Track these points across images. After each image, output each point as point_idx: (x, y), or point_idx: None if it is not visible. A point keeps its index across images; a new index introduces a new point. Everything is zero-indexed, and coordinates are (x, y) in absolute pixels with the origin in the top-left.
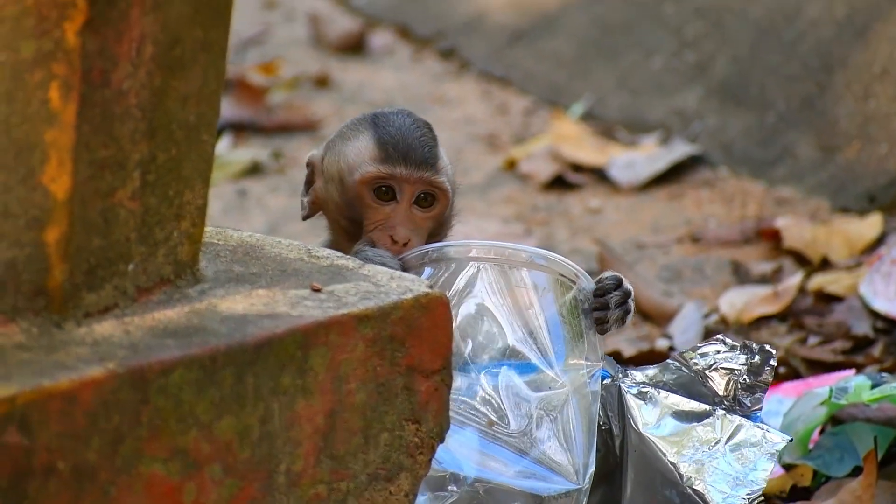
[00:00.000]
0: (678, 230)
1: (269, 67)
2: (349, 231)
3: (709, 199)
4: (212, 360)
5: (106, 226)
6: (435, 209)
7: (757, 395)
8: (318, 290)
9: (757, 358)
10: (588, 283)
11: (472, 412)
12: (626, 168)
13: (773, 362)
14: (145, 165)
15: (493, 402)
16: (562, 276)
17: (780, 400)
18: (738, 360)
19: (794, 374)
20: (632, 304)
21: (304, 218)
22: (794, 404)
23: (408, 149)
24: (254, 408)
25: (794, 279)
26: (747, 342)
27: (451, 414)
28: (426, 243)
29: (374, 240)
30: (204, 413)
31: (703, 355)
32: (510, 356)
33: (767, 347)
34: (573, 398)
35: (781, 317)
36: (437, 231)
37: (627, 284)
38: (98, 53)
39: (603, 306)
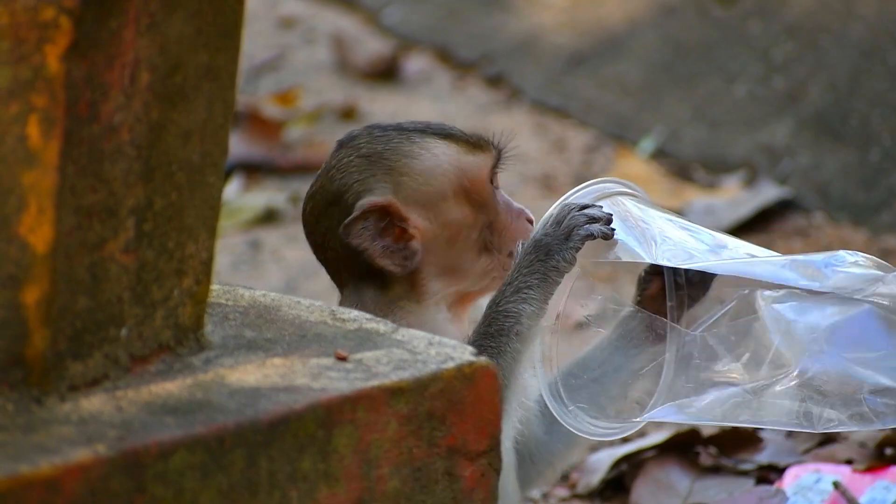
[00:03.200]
0: None
1: (285, 97)
2: (484, 242)
3: (802, 250)
4: (219, 440)
5: (94, 284)
6: None
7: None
8: (343, 359)
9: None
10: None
11: None
12: (705, 214)
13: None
14: (141, 213)
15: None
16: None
17: (886, 487)
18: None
19: None
20: None
21: (409, 271)
22: None
23: (469, 132)
24: (268, 497)
25: None
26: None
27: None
28: None
29: (514, 237)
30: (210, 503)
31: None
32: None
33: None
34: None
35: None
36: None
37: None
38: (85, 82)
39: None
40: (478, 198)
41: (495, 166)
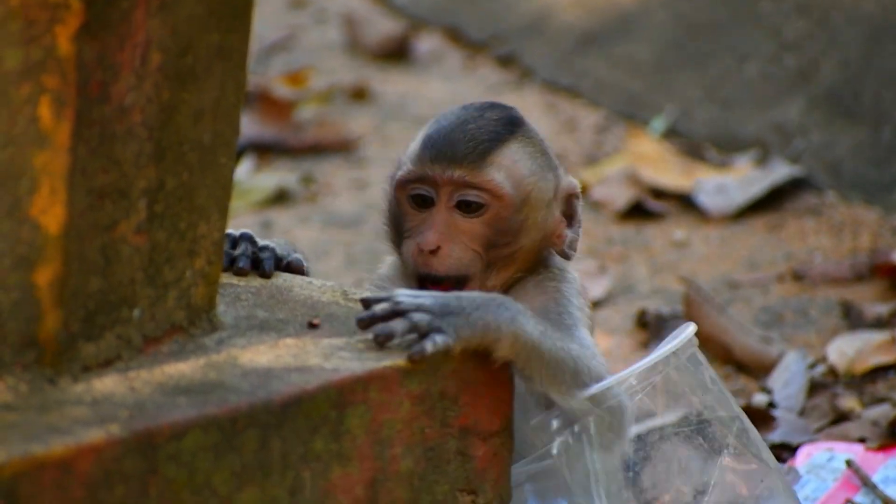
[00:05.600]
0: (778, 266)
1: (297, 78)
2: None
3: (814, 229)
4: (231, 421)
5: (106, 265)
6: (483, 214)
7: None
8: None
9: None
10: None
11: None
12: (717, 193)
13: None
14: (152, 194)
15: None
16: None
17: None
18: None
19: None
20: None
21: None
22: None
23: (446, 144)
24: (281, 477)
25: None
26: None
27: None
28: (485, 257)
29: (403, 254)
30: (222, 484)
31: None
32: None
33: None
34: None
35: None
36: (505, 242)
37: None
38: (96, 63)
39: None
40: (390, 202)
41: (439, 183)
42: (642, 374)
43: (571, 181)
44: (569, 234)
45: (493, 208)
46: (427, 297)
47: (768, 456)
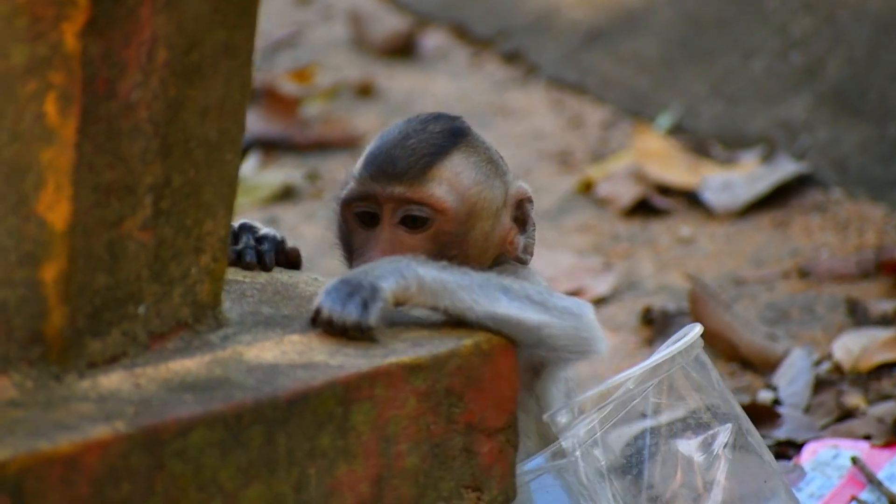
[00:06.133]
0: (784, 263)
1: (302, 74)
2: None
3: (820, 226)
4: (237, 417)
5: (112, 261)
6: (429, 229)
7: None
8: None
9: None
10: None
11: None
12: (722, 190)
13: None
14: (158, 190)
15: None
16: None
17: None
18: None
19: None
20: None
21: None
22: None
23: (386, 161)
24: (287, 473)
25: None
26: None
27: None
28: None
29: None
30: (228, 480)
31: None
32: None
33: None
34: None
35: None
36: (452, 255)
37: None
38: (102, 59)
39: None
40: (338, 222)
41: (382, 201)
42: (646, 374)
43: (521, 186)
44: (521, 239)
45: (438, 222)
46: (333, 290)
47: (769, 457)
